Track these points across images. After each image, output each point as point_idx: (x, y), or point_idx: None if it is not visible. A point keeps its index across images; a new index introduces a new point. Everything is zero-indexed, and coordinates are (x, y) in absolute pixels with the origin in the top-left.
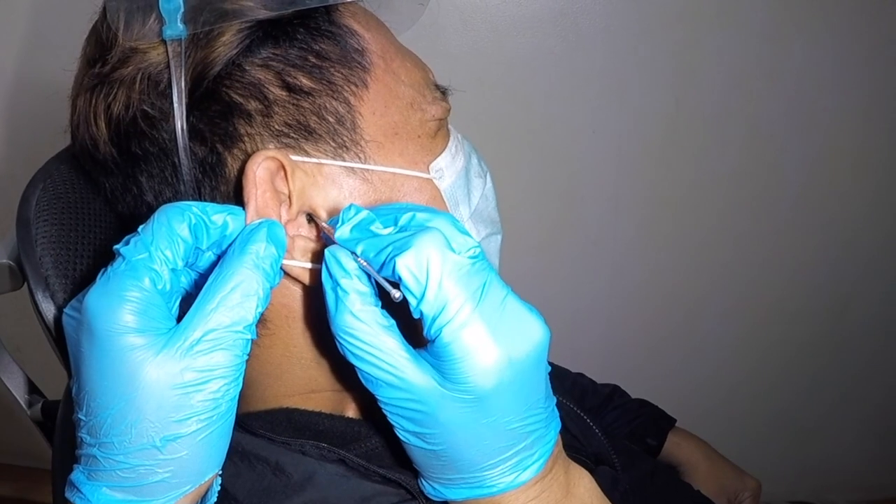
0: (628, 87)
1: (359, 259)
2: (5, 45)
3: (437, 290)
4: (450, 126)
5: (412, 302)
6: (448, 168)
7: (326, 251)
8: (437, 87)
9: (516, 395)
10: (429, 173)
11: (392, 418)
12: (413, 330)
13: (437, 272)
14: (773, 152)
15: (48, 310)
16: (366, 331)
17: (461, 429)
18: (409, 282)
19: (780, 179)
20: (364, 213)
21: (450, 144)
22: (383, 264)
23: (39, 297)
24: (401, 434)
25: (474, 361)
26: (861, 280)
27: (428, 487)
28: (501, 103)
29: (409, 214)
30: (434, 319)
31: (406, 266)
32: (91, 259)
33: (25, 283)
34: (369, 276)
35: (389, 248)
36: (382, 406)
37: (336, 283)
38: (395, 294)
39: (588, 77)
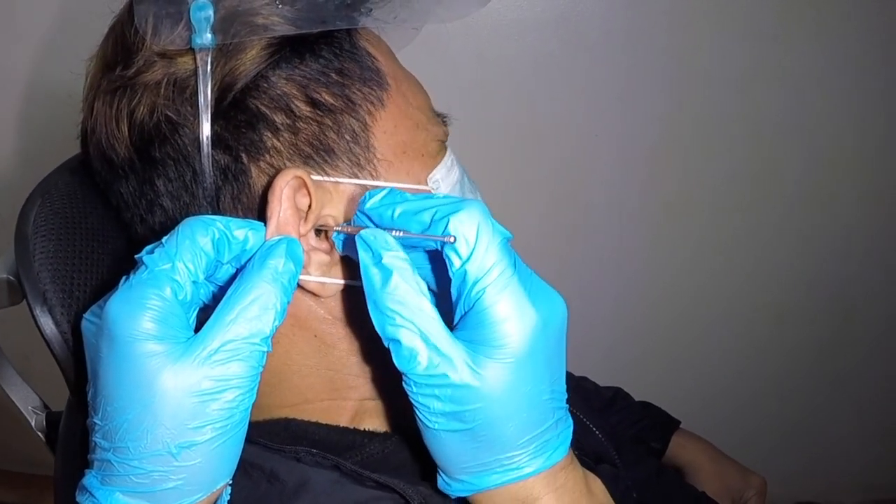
0: (630, 91)
1: (394, 231)
2: (13, 58)
3: (485, 252)
4: (447, 146)
5: (456, 263)
6: (444, 180)
7: (360, 234)
8: (437, 113)
9: (548, 363)
10: (427, 185)
11: (424, 401)
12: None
13: (486, 235)
14: (777, 154)
15: (46, 324)
16: (418, 302)
17: (501, 399)
18: (458, 241)
19: (786, 181)
20: (387, 189)
21: (445, 159)
22: (430, 225)
23: (38, 311)
24: (431, 420)
25: (513, 323)
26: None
27: (454, 485)
28: (503, 107)
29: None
30: (477, 281)
31: (459, 225)
32: (88, 273)
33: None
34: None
35: (435, 210)
36: (414, 387)
37: (379, 259)
38: (450, 238)
39: (590, 80)
